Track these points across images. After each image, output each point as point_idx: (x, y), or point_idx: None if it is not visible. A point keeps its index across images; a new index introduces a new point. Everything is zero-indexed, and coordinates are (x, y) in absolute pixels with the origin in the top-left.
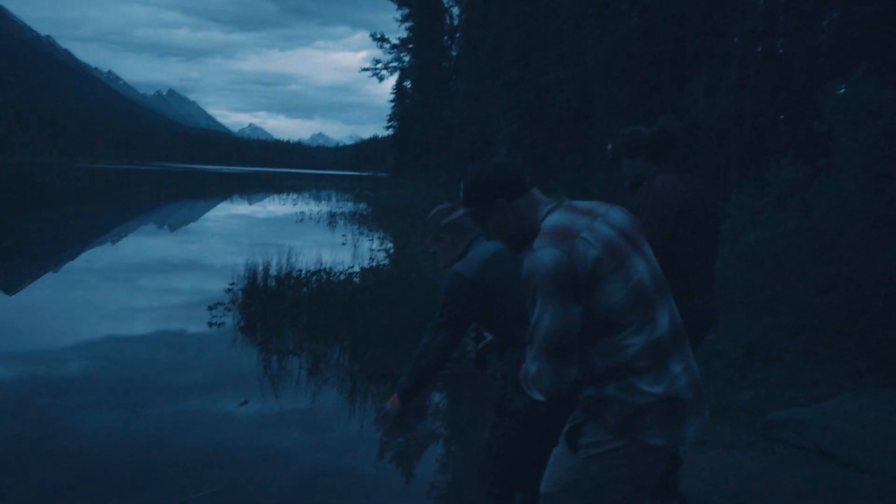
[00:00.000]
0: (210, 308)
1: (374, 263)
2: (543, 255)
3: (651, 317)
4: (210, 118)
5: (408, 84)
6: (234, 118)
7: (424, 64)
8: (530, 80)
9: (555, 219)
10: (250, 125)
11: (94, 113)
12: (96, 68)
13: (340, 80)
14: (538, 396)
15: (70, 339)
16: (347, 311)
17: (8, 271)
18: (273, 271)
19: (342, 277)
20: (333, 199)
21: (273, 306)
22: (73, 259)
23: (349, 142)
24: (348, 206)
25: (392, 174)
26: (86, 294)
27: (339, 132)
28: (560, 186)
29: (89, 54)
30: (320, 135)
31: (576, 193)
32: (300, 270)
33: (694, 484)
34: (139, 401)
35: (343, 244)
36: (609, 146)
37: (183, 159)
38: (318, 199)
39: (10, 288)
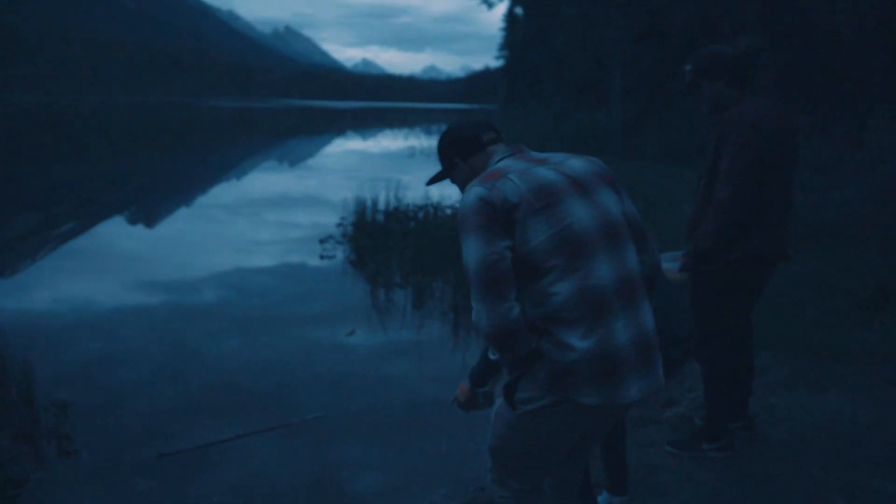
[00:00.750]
0: (321, 241)
1: None
2: (468, 194)
3: (581, 265)
4: (324, 54)
5: (519, 10)
6: (347, 53)
7: None
8: (646, 0)
9: (497, 164)
10: (363, 60)
11: (216, 52)
12: (217, 8)
13: (452, 10)
14: (494, 356)
15: (200, 270)
16: (453, 244)
17: (146, 207)
18: (381, 206)
19: (448, 211)
20: (420, 133)
21: (381, 240)
22: (203, 194)
23: (461, 74)
24: None
25: (503, 106)
26: (213, 227)
27: (451, 64)
28: (679, 113)
29: None
30: (432, 67)
31: (696, 119)
32: (408, 205)
33: (804, 427)
34: (258, 328)
35: None
36: (687, 67)
37: (299, 96)
38: (428, 133)
39: (150, 222)
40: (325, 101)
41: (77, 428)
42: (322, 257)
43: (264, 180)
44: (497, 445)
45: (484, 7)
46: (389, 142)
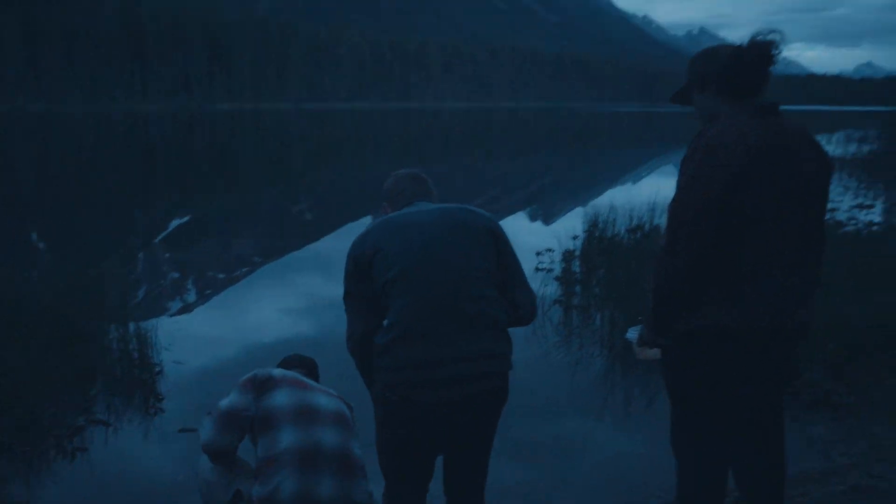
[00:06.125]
0: (538, 254)
1: None
2: None
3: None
4: None
5: None
6: None
7: None
8: None
9: None
10: (783, 59)
11: (623, 58)
12: (632, 14)
13: None
14: None
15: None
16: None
17: (546, 205)
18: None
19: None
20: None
21: (605, 260)
22: (597, 197)
23: None
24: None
25: None
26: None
27: (894, 60)
28: None
29: (626, 1)
30: (868, 64)
31: None
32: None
33: None
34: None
35: None
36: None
37: None
38: (850, 139)
39: (548, 220)
40: None
41: (167, 386)
42: (536, 269)
43: (658, 184)
44: None
45: None
46: None
